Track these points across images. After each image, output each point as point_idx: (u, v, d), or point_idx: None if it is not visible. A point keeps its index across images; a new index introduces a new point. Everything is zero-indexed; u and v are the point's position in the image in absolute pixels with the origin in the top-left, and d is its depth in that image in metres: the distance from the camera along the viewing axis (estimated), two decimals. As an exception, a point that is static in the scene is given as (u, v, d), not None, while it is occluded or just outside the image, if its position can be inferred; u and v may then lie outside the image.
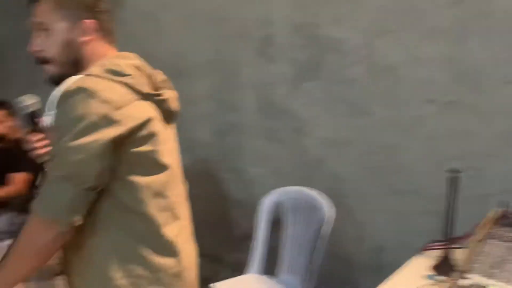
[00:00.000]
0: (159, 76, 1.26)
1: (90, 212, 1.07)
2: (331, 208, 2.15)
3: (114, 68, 1.09)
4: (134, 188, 1.10)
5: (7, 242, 2.58)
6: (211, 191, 3.10)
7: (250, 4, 2.69)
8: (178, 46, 3.12)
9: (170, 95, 1.25)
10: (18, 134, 2.96)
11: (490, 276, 1.36)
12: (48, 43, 1.17)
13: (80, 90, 1.02)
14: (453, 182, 1.68)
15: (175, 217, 1.20)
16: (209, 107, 3.01)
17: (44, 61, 1.19)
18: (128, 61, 1.15)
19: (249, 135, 2.83)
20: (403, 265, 1.61)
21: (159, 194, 1.15)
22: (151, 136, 1.12)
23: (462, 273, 1.40)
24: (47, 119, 1.11)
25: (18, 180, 2.81)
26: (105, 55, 1.20)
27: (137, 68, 1.15)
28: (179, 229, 1.20)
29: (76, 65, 1.17)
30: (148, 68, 1.20)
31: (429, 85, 2.16)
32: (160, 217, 1.14)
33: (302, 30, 2.51)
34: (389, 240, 2.34)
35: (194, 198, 3.15)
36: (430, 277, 1.53)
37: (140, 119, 1.09)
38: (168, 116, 1.23)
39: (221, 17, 2.84)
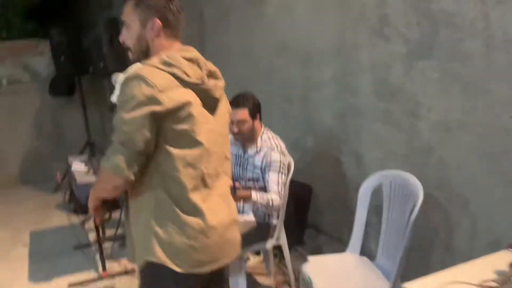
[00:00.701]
0: (210, 67, 1.51)
1: (141, 174, 1.39)
2: (421, 194, 2.03)
3: (168, 60, 1.38)
4: (170, 157, 1.38)
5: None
6: (332, 172, 3.19)
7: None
8: (308, 35, 3.28)
9: (216, 84, 1.50)
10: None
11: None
12: (128, 36, 1.52)
13: (136, 76, 1.33)
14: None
15: (205, 186, 1.45)
16: (332, 90, 3.09)
17: (127, 49, 1.55)
18: (185, 54, 1.43)
19: (366, 118, 2.82)
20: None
21: (190, 165, 1.40)
22: (188, 117, 1.37)
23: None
24: (113, 98, 1.47)
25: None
26: (169, 48, 1.48)
27: (190, 60, 1.42)
28: (207, 196, 1.45)
29: (146, 54, 1.50)
30: (201, 61, 1.47)
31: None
32: (189, 183, 1.40)
33: (416, 6, 2.38)
34: (507, 234, 2.07)
35: (317, 178, 3.32)
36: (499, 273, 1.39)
37: (179, 102, 1.35)
38: (211, 102, 1.48)
39: (343, 2, 2.88)
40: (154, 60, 1.39)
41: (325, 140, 3.21)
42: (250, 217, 2.61)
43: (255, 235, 2.57)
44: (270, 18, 3.71)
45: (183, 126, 1.37)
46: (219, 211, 1.49)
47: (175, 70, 1.37)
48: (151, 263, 1.42)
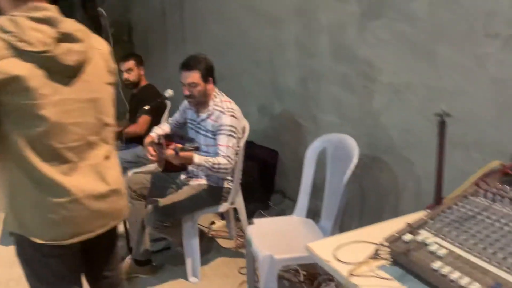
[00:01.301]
0: (67, 27, 1.32)
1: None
2: (356, 156, 2.01)
3: (5, 24, 1.23)
4: (14, 133, 1.29)
5: (133, 170, 3.22)
6: (295, 137, 3.16)
7: None
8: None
9: (69, 49, 1.32)
10: (145, 82, 3.57)
11: (445, 236, 1.15)
12: None
13: None
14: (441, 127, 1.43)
15: (65, 160, 1.36)
16: (294, 54, 3.02)
17: None
18: (34, 14, 1.27)
19: (325, 82, 2.77)
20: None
21: (37, 141, 1.30)
22: (24, 91, 1.24)
23: (412, 228, 1.22)
24: None
25: (143, 121, 3.41)
26: (18, 7, 1.29)
27: (40, 21, 1.27)
28: (70, 170, 1.37)
29: None
30: (55, 21, 1.30)
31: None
32: (41, 160, 1.31)
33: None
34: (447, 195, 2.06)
35: (283, 143, 3.30)
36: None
37: (8, 74, 1.22)
38: (63, 70, 1.33)
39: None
40: None
41: (290, 105, 3.18)
42: (202, 181, 2.62)
43: (207, 198, 2.58)
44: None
45: (20, 100, 1.26)
46: (86, 183, 1.41)
47: (9, 38, 1.23)
48: (16, 233, 1.41)
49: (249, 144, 3.56)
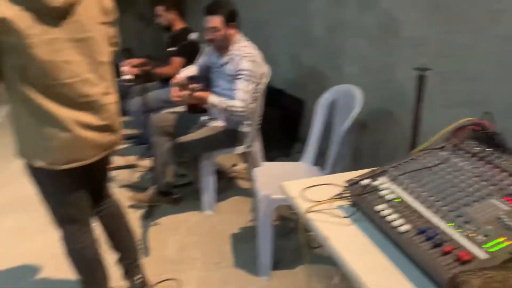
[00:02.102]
0: None
1: (6, 86, 1.48)
2: (359, 106, 2.05)
3: None
4: (13, 70, 1.43)
5: (166, 110, 3.41)
6: (320, 87, 3.18)
7: None
8: None
9: None
10: (180, 25, 3.68)
11: (399, 183, 1.21)
12: None
13: None
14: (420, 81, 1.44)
15: (60, 95, 1.48)
16: (323, 2, 2.98)
17: None
18: None
19: (350, 32, 2.74)
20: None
21: (33, 78, 1.43)
22: (12, 32, 1.35)
23: (373, 174, 1.29)
24: None
25: (175, 62, 3.56)
26: None
27: None
28: (70, 105, 1.51)
29: None
30: None
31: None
32: (40, 95, 1.45)
33: None
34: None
35: (309, 93, 3.33)
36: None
37: None
38: (51, 11, 1.40)
39: None
40: None
41: (317, 54, 3.18)
42: (220, 123, 2.76)
43: (224, 140, 2.73)
44: None
45: (10, 40, 1.37)
46: (81, 116, 1.55)
47: None
48: (24, 158, 1.60)
49: (278, 93, 3.64)
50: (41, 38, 1.40)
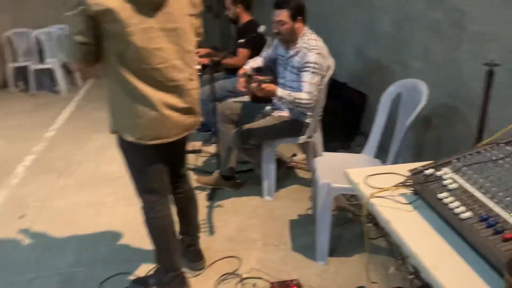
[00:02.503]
0: None
1: (103, 67, 1.68)
2: (423, 101, 2.06)
3: None
4: (112, 54, 1.62)
5: (232, 99, 3.57)
6: (385, 82, 3.19)
7: None
8: None
9: None
10: (247, 18, 3.81)
11: (462, 174, 1.26)
12: None
13: None
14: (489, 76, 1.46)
15: (152, 77, 1.67)
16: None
17: None
18: None
19: (417, 27, 2.73)
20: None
21: (130, 61, 1.62)
22: (115, 21, 1.54)
23: (437, 164, 1.34)
24: None
25: (242, 54, 3.71)
26: None
27: None
28: (159, 87, 1.69)
29: None
30: None
31: None
32: (134, 77, 1.64)
33: None
34: None
35: (373, 87, 3.34)
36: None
37: (103, 6, 1.52)
38: (148, 4, 1.60)
39: None
40: None
41: (383, 48, 3.19)
42: (284, 113, 2.86)
43: (287, 129, 2.83)
44: None
45: (113, 28, 1.56)
46: (169, 98, 1.74)
47: None
48: (115, 131, 1.82)
49: (341, 86, 3.68)
50: (138, 27, 1.59)
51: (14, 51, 6.50)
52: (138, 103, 1.69)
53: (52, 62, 6.23)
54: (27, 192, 3.26)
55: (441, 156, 2.54)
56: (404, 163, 2.24)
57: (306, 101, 2.56)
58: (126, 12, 1.56)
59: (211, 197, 3.03)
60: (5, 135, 4.56)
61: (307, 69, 2.60)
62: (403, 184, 1.38)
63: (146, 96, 1.68)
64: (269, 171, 2.92)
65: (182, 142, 1.99)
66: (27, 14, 6.58)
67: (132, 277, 2.24)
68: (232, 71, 3.79)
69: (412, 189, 1.35)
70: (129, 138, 1.75)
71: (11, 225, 2.80)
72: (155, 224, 1.97)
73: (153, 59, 1.65)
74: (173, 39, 1.70)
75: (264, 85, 2.45)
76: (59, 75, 6.22)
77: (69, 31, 1.58)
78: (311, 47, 2.63)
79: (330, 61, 2.77)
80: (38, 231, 2.74)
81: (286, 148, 3.53)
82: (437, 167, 1.33)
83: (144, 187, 1.93)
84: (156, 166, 1.89)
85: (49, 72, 6.37)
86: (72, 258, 2.46)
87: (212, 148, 3.77)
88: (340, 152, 3.41)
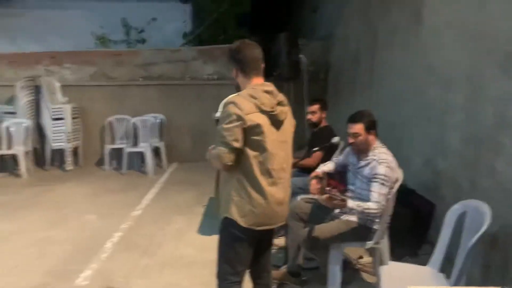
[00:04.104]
0: (280, 98, 2.23)
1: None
2: (486, 224, 2.16)
3: (251, 93, 2.16)
4: (249, 156, 2.16)
5: (301, 196, 3.83)
6: (454, 196, 3.29)
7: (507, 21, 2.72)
8: (450, 60, 3.42)
9: (281, 110, 2.21)
10: (324, 123, 4.18)
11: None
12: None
13: (231, 101, 2.13)
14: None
15: (270, 175, 2.20)
16: (460, 115, 3.19)
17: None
18: (264, 88, 2.18)
19: (486, 149, 2.88)
20: None
21: (260, 162, 2.17)
22: (260, 132, 2.13)
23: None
24: (218, 114, 2.23)
25: (316, 156, 4.01)
26: (249, 83, 2.22)
27: (268, 92, 2.18)
28: (271, 183, 2.20)
29: (238, 87, 2.29)
30: (275, 93, 2.21)
31: None
32: (259, 173, 2.17)
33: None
34: None
35: (441, 198, 3.43)
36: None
37: (255, 122, 2.11)
38: (277, 123, 2.20)
39: (478, 35, 2.98)
40: (244, 92, 2.18)
41: (452, 163, 3.33)
42: (352, 218, 3.04)
43: (354, 234, 2.99)
44: (424, 39, 3.91)
45: (257, 138, 2.13)
46: (277, 193, 2.22)
47: (256, 102, 2.14)
48: (227, 217, 2.22)
49: (410, 192, 3.82)
50: (270, 138, 2.16)
51: (113, 134, 7.42)
52: (257, 195, 2.16)
53: (144, 146, 6.99)
54: (113, 268, 3.63)
55: (509, 278, 2.57)
56: (468, 281, 2.31)
57: (374, 211, 2.75)
58: (266, 127, 2.15)
59: (278, 292, 3.18)
60: (98, 211, 5.12)
61: (377, 180, 2.82)
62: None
63: (263, 190, 2.16)
64: (335, 272, 3.04)
65: (271, 234, 2.42)
66: (128, 103, 7.60)
67: None
68: (304, 170, 4.09)
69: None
70: (242, 223, 2.18)
71: (98, 298, 3.14)
72: None
73: (274, 162, 2.18)
74: (283, 148, 2.25)
75: (335, 202, 2.70)
76: (149, 158, 6.93)
77: (227, 139, 2.09)
78: (381, 160, 2.87)
79: (399, 174, 2.97)
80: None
81: (353, 249, 3.65)
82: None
83: (230, 268, 2.28)
84: (247, 250, 2.27)
85: (140, 155, 7.14)
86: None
87: (280, 241, 3.97)
88: (406, 259, 3.48)
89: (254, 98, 2.12)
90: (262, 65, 2.26)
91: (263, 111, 2.13)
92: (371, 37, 5.43)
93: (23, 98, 7.03)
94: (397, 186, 2.94)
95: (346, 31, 6.71)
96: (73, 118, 7.23)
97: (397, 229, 3.18)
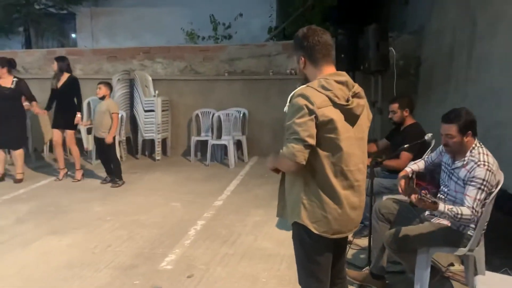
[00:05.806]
0: (356, 88, 1.96)
1: None
2: None
3: (323, 83, 1.89)
4: (320, 156, 1.91)
5: (387, 196, 3.64)
6: None
7: None
8: None
9: (358, 103, 1.94)
10: (410, 121, 3.94)
11: None
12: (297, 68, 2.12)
13: (300, 94, 1.88)
14: None
15: (345, 177, 1.95)
16: None
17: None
18: (337, 78, 1.92)
19: None
20: None
21: (333, 163, 1.92)
22: (333, 129, 1.87)
23: None
24: (285, 108, 1.99)
25: (404, 157, 3.77)
26: (320, 73, 1.96)
27: (341, 83, 1.91)
28: (348, 187, 1.96)
29: (306, 79, 2.03)
30: (350, 83, 1.94)
31: None
32: (331, 175, 1.92)
33: None
34: None
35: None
36: None
37: (328, 117, 1.86)
38: (352, 117, 1.93)
39: None
40: (315, 83, 1.92)
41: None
42: (444, 220, 2.81)
43: (445, 238, 2.76)
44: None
45: (330, 135, 1.88)
46: (351, 197, 1.98)
47: (329, 94, 1.88)
48: (297, 223, 2.00)
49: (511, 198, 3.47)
50: (345, 135, 1.92)
51: (199, 127, 7.68)
52: (330, 199, 1.94)
53: (227, 139, 7.15)
54: (194, 254, 3.75)
55: None
56: None
57: (467, 217, 2.52)
58: (340, 123, 1.89)
59: (359, 294, 3.06)
60: (182, 199, 5.33)
61: (474, 184, 2.57)
62: None
63: (337, 194, 1.93)
64: (422, 278, 2.85)
65: (346, 237, 2.19)
66: (213, 97, 7.81)
67: None
68: (392, 170, 3.89)
69: None
70: (314, 229, 1.96)
71: (180, 283, 3.26)
72: None
73: (349, 162, 1.94)
74: (360, 146, 2.01)
75: (424, 203, 2.46)
76: (231, 150, 7.07)
77: (301, 134, 1.83)
78: (480, 162, 2.60)
79: (500, 177, 2.69)
80: (201, 292, 3.12)
81: (443, 255, 3.40)
82: None
83: (311, 276, 2.07)
84: (327, 258, 2.07)
85: (223, 147, 7.31)
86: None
87: (362, 241, 3.83)
88: (505, 271, 3.16)
89: (326, 90, 1.87)
90: (333, 53, 2.02)
91: (336, 105, 1.88)
92: (469, 28, 5.02)
93: (119, 90, 7.52)
94: (497, 190, 2.67)
95: (440, 24, 6.28)
96: (163, 110, 7.59)
97: (494, 238, 2.89)
